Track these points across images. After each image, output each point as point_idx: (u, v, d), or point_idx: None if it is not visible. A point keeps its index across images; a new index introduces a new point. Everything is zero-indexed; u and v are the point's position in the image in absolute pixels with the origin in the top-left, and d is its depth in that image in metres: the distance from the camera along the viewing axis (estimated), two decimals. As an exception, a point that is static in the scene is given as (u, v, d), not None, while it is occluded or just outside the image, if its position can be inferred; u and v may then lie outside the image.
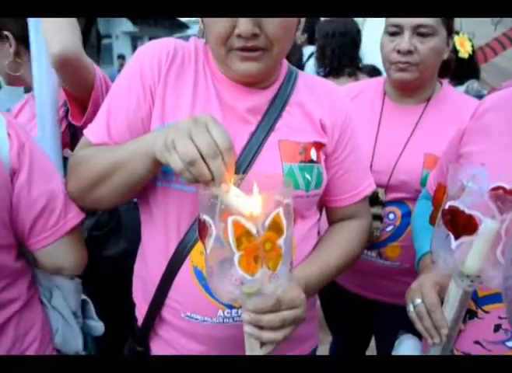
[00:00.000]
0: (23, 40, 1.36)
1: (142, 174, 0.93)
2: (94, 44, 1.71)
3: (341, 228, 1.16)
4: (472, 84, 2.36)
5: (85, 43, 1.34)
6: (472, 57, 2.40)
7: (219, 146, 0.78)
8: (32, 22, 1.25)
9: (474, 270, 0.83)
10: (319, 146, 1.06)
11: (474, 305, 0.97)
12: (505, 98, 1.07)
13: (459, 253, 0.83)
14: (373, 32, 2.22)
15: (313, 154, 1.04)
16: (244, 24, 0.88)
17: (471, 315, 0.97)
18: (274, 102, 1.04)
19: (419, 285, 1.03)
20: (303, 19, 1.02)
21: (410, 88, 1.52)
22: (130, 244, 1.35)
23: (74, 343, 1.16)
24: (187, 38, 1.08)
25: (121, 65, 11.98)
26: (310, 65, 3.14)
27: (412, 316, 1.01)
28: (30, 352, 1.05)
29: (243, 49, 0.92)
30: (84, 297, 1.20)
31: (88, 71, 1.32)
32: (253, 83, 1.02)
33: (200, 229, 0.75)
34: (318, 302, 1.78)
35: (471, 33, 2.69)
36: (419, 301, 0.99)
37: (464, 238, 0.81)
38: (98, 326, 1.21)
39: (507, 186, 0.84)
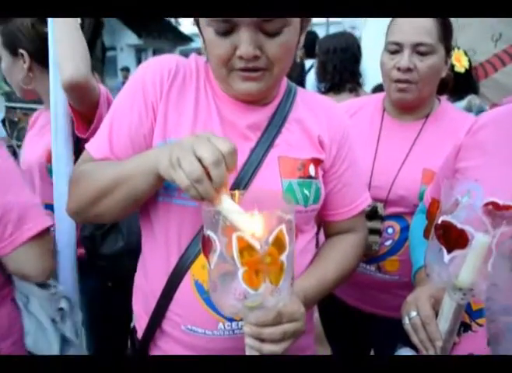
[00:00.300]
0: (36, 57, 1.48)
1: (145, 189, 0.93)
2: (99, 56, 1.76)
3: (339, 242, 1.17)
4: (474, 100, 2.36)
5: (90, 55, 1.40)
6: (469, 71, 2.42)
7: (222, 150, 0.78)
8: (51, 42, 1.34)
9: (467, 284, 0.84)
10: (317, 162, 1.07)
11: (468, 318, 0.98)
12: (506, 113, 1.08)
13: (452, 267, 0.84)
14: (371, 46, 2.26)
15: (311, 170, 1.05)
16: (245, 46, 0.89)
17: (465, 328, 0.98)
18: (273, 118, 1.05)
19: (414, 298, 1.04)
20: (302, 38, 1.03)
21: (409, 107, 1.55)
22: (128, 243, 1.42)
23: (46, 347, 1.17)
24: (190, 51, 1.10)
25: (125, 77, 12.09)
26: (311, 79, 3.16)
27: (407, 328, 1.02)
28: None
29: (245, 69, 0.94)
30: (62, 305, 1.21)
31: (94, 92, 1.40)
32: (253, 101, 1.03)
33: (204, 244, 0.76)
34: (317, 315, 1.79)
35: (472, 50, 2.72)
36: (414, 313, 1.00)
37: (457, 252, 0.82)
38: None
39: (500, 202, 0.85)
